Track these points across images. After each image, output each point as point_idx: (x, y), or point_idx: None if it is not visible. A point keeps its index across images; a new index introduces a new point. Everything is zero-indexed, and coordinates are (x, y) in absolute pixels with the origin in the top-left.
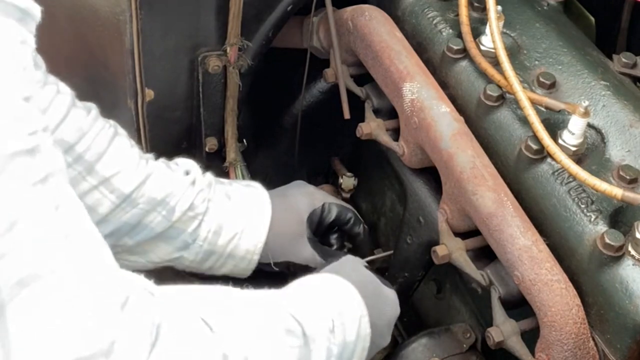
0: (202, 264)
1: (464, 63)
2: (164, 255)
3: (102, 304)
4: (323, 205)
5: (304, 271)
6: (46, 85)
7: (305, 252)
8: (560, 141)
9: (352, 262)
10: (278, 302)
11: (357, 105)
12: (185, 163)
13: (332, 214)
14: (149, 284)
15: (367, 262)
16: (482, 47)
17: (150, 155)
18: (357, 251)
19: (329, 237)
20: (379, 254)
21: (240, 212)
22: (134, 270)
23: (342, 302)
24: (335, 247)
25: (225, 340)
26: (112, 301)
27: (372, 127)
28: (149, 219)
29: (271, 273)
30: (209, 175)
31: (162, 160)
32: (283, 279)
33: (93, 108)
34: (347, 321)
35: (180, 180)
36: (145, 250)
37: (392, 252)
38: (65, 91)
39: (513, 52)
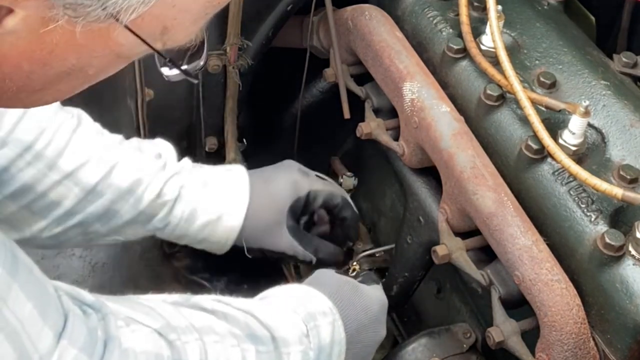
0: (177, 241)
1: (464, 63)
2: (139, 234)
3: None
4: (308, 193)
5: (281, 259)
6: None
7: (282, 241)
8: (560, 141)
9: (325, 273)
10: (245, 309)
11: (357, 104)
12: (159, 144)
13: (319, 201)
14: (94, 299)
15: (368, 255)
16: (482, 47)
17: (120, 138)
18: (345, 235)
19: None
20: (379, 249)
21: (216, 199)
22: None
23: (312, 308)
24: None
25: (182, 352)
26: (45, 334)
27: (372, 126)
28: (117, 207)
29: (268, 271)
30: (186, 160)
31: (134, 140)
32: (282, 280)
33: None
34: (320, 325)
35: (150, 165)
36: (120, 232)
37: (393, 245)
38: None
39: (513, 52)
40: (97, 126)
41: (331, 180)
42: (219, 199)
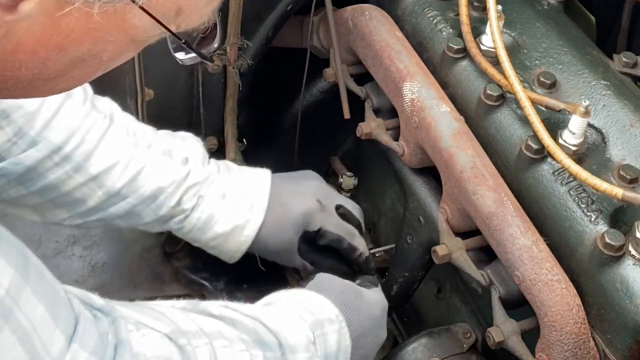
0: (191, 242)
1: (464, 63)
2: (157, 229)
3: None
4: (319, 230)
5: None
6: None
7: (293, 261)
8: (560, 141)
9: (327, 277)
10: (252, 315)
11: (357, 104)
12: (188, 145)
13: (325, 240)
14: (104, 302)
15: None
16: (482, 47)
17: (150, 139)
18: (357, 273)
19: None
20: (379, 248)
21: (232, 212)
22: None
23: (319, 315)
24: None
25: (192, 356)
26: (57, 338)
27: (372, 126)
28: (138, 210)
29: (268, 271)
30: (211, 166)
31: (165, 138)
32: (281, 281)
33: (89, 90)
34: (327, 333)
35: (175, 172)
36: (138, 226)
37: (393, 245)
38: None
39: (513, 52)
40: (129, 124)
41: (354, 204)
42: (234, 212)
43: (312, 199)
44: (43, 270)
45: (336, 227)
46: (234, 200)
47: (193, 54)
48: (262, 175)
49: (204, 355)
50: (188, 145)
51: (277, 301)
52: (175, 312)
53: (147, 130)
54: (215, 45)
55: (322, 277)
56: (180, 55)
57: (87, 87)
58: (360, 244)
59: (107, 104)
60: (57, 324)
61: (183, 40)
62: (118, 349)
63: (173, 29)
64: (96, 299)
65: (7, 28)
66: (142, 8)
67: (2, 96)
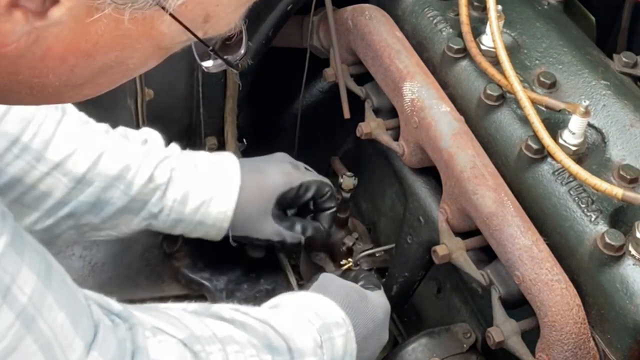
0: (172, 230)
1: (464, 62)
2: (133, 226)
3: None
4: (300, 184)
5: (270, 244)
6: None
7: (267, 229)
8: (560, 141)
9: (330, 278)
10: (262, 319)
11: (357, 104)
12: (145, 132)
13: (310, 192)
14: (122, 308)
15: (368, 255)
16: (482, 47)
17: (106, 127)
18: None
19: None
20: (379, 248)
21: (208, 180)
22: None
23: (327, 319)
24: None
25: None
26: (76, 345)
27: (372, 126)
28: (108, 195)
29: (268, 271)
30: (174, 145)
31: (120, 128)
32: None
33: None
34: (334, 337)
35: (137, 151)
36: (113, 225)
37: (393, 245)
38: None
39: (513, 52)
40: (82, 115)
41: (319, 176)
42: (210, 180)
43: (285, 161)
44: (64, 277)
45: (314, 176)
46: (206, 169)
47: (219, 61)
48: (226, 153)
49: None
50: (144, 131)
51: (284, 304)
52: (188, 316)
53: (100, 124)
54: (242, 51)
55: (326, 279)
56: (206, 63)
57: None
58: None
59: None
60: (77, 331)
61: (210, 47)
62: (135, 355)
63: (200, 35)
64: (114, 304)
65: (37, 34)
66: (171, 15)
67: (26, 102)
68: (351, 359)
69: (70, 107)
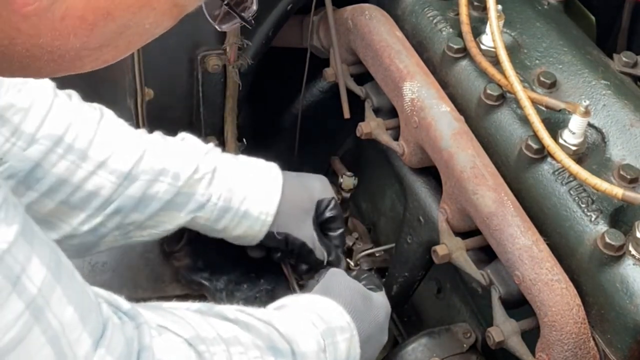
0: (216, 223)
1: (464, 62)
2: (178, 221)
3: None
4: (332, 198)
5: (300, 250)
6: (26, 83)
7: (307, 229)
8: (560, 141)
9: (338, 276)
10: (266, 320)
11: (357, 104)
12: (183, 134)
13: (334, 212)
14: (130, 306)
15: (368, 255)
16: (482, 47)
17: (143, 131)
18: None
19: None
20: (379, 248)
21: (252, 173)
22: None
23: (331, 322)
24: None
25: None
26: (84, 341)
27: (372, 126)
28: (154, 189)
29: (268, 271)
30: (213, 144)
31: (157, 133)
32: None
33: (73, 94)
34: (338, 341)
35: (179, 147)
36: (158, 222)
37: (393, 245)
38: (46, 85)
39: (513, 52)
40: (119, 120)
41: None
42: (255, 172)
43: (323, 178)
44: (74, 272)
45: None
46: (250, 163)
47: (231, 21)
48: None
49: None
50: (181, 134)
51: (289, 305)
52: (193, 316)
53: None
54: (255, 7)
55: (332, 278)
56: (219, 23)
57: (72, 92)
58: None
59: (95, 104)
60: (85, 326)
61: (226, 1)
62: (141, 355)
63: None
64: (123, 303)
65: None
66: None
67: (46, 71)
68: None
69: (107, 110)
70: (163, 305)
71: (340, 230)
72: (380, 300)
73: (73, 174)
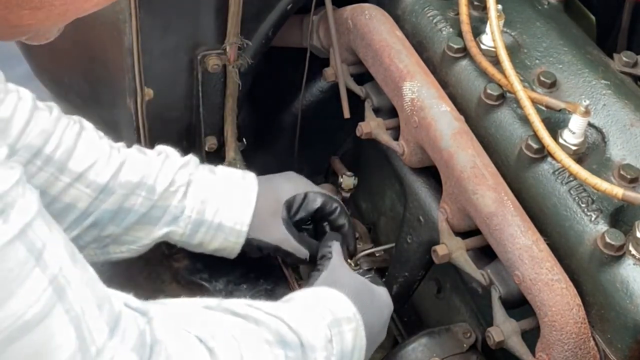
0: (192, 237)
1: (464, 62)
2: (154, 235)
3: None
4: (306, 194)
5: (276, 254)
6: (8, 94)
7: (278, 233)
8: (560, 140)
9: (342, 270)
10: (275, 314)
11: (357, 104)
12: (160, 147)
13: (316, 204)
14: (139, 303)
15: (367, 255)
16: (482, 46)
17: (121, 144)
18: (343, 242)
19: (317, 227)
20: (379, 247)
21: (226, 185)
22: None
23: (338, 313)
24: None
25: (222, 358)
26: (101, 328)
27: (372, 126)
28: (130, 202)
29: (268, 271)
30: (191, 156)
31: (135, 147)
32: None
33: (54, 107)
34: (344, 331)
35: (156, 160)
36: (135, 237)
37: (393, 245)
38: (26, 96)
39: (513, 51)
40: (98, 132)
41: (328, 192)
42: (227, 185)
43: (296, 175)
44: (86, 263)
45: (322, 191)
46: (223, 174)
47: None
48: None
49: (233, 358)
50: (158, 147)
51: (296, 298)
52: (203, 312)
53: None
54: None
55: (335, 271)
56: None
57: (52, 104)
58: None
59: (74, 116)
60: (102, 314)
61: None
62: (154, 348)
63: None
64: (132, 300)
65: None
66: None
67: (59, 7)
68: (360, 353)
69: (86, 123)
70: (170, 301)
71: (338, 219)
72: (384, 297)
73: (51, 186)
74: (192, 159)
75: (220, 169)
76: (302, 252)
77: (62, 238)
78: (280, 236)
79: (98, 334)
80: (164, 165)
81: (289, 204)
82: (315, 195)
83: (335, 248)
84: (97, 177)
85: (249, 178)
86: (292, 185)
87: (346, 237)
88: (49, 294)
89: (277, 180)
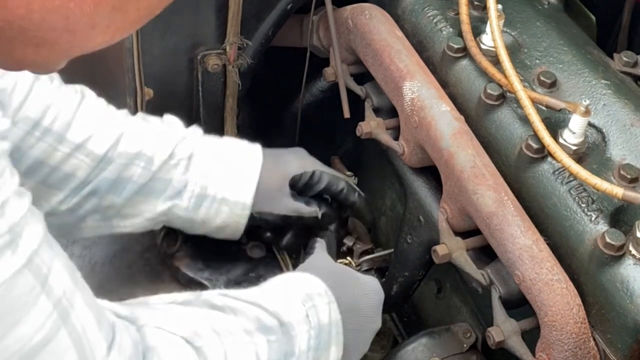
0: (196, 211)
1: (465, 62)
2: (157, 209)
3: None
4: (313, 172)
5: (284, 223)
6: None
7: (284, 204)
8: (560, 140)
9: (319, 260)
10: (252, 301)
11: (357, 104)
12: (166, 117)
13: (322, 183)
14: (128, 311)
15: (367, 260)
16: (482, 46)
17: (125, 112)
18: (359, 219)
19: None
20: (378, 253)
21: (230, 156)
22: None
23: (308, 289)
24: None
25: (209, 357)
26: (100, 344)
27: (372, 126)
28: (129, 172)
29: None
30: (195, 127)
31: (139, 113)
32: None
33: (55, 77)
34: (317, 305)
35: (156, 130)
36: (137, 210)
37: (392, 250)
38: None
39: (513, 51)
40: (102, 100)
41: (336, 172)
42: (232, 157)
43: (302, 151)
44: (85, 283)
45: (331, 170)
46: (227, 146)
47: None
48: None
49: (218, 356)
50: (165, 117)
51: (269, 282)
52: (185, 311)
53: (119, 110)
54: None
55: (313, 258)
56: None
57: (54, 74)
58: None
59: (76, 85)
60: (101, 330)
61: None
62: (146, 355)
63: None
64: (121, 309)
65: None
66: None
67: (63, 45)
68: (337, 329)
69: (89, 92)
70: (150, 300)
71: (348, 197)
72: (371, 283)
73: (50, 156)
74: (195, 130)
75: (226, 140)
76: (313, 210)
77: (63, 257)
78: (288, 206)
79: (98, 351)
80: (165, 137)
81: (294, 181)
82: (322, 173)
83: (319, 245)
84: (96, 148)
85: (254, 150)
86: (300, 162)
87: (360, 214)
88: (54, 319)
89: (285, 156)
